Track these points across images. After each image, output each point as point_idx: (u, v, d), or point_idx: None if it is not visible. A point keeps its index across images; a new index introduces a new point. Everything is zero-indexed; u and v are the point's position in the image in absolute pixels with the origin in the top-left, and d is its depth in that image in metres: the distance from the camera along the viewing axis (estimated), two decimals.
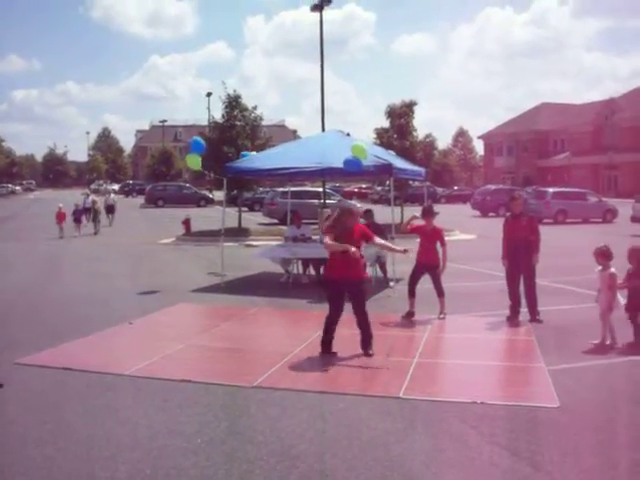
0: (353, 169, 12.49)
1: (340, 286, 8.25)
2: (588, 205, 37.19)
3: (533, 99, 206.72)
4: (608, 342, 8.67)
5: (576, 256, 16.65)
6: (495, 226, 23.00)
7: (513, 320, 10.30)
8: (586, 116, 73.73)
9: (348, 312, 10.63)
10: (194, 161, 13.62)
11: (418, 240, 10.91)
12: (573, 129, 74.87)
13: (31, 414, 6.29)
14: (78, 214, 28.81)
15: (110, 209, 33.33)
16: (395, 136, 31.89)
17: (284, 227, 20.30)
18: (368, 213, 14.68)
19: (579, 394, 6.86)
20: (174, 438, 5.66)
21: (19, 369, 7.74)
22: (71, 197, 30.36)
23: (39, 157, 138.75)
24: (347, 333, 8.84)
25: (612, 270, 8.81)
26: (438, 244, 10.66)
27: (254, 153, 17.05)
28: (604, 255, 8.84)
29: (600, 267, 8.87)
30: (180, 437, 5.68)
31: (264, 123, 30.64)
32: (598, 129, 72.72)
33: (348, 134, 15.21)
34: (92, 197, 32.02)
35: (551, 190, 37.42)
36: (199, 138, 14.44)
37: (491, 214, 40.68)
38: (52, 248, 23.11)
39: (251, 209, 43.62)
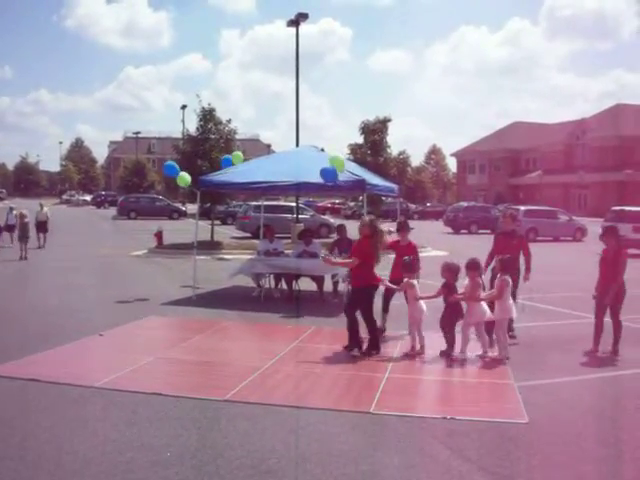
0: (329, 179, 12.51)
1: None
2: (559, 223, 37.68)
3: (506, 118, 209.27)
4: (418, 348, 9.26)
5: (549, 274, 16.78)
6: (467, 243, 23.25)
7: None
8: (558, 136, 74.73)
9: (328, 326, 10.63)
10: (184, 180, 14.37)
11: (393, 255, 10.90)
12: (545, 148, 75.81)
13: None
14: None
15: (41, 227, 25.53)
16: (369, 152, 32.09)
17: (257, 241, 20.26)
18: (340, 228, 14.77)
19: (548, 410, 6.92)
20: (143, 452, 5.60)
21: None
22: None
23: (10, 166, 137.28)
24: (324, 347, 8.86)
25: (412, 281, 9.37)
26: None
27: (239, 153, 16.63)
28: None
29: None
30: (149, 451, 5.63)
31: (238, 137, 30.61)
32: (569, 149, 73.74)
33: (322, 149, 15.26)
34: (16, 211, 24.92)
35: (522, 208, 37.78)
36: (170, 163, 15.01)
37: (463, 231, 40.97)
38: None
39: (224, 222, 43.44)
